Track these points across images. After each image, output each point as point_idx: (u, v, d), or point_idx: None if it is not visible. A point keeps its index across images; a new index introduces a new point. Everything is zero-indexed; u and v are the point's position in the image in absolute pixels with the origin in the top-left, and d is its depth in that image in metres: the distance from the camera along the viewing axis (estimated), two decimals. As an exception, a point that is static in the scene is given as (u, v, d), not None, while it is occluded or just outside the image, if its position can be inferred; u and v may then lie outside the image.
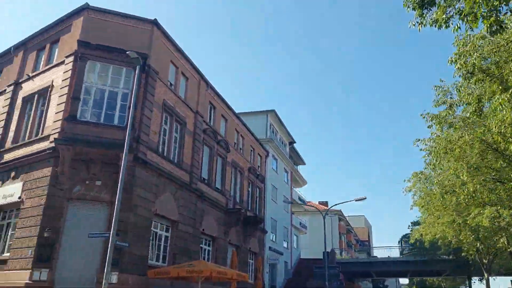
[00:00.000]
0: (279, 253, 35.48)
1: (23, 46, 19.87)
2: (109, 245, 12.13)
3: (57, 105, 16.40)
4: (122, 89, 16.55)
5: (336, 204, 28.49)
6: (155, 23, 18.40)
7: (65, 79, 16.57)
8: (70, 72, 16.53)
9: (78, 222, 15.24)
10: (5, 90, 19.59)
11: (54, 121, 16.19)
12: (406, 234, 60.90)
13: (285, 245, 38.62)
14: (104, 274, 11.89)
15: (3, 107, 19.13)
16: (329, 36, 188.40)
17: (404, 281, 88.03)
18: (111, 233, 12.26)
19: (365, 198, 27.05)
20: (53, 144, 15.34)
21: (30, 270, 13.95)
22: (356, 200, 26.97)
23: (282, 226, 37.79)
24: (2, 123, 18.61)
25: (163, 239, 18.66)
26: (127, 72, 16.75)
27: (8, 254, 15.31)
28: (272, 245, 34.08)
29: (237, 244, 26.06)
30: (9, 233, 16.07)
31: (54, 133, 15.66)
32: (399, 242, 71.99)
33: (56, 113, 16.28)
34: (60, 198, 15.09)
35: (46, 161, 15.61)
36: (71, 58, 16.77)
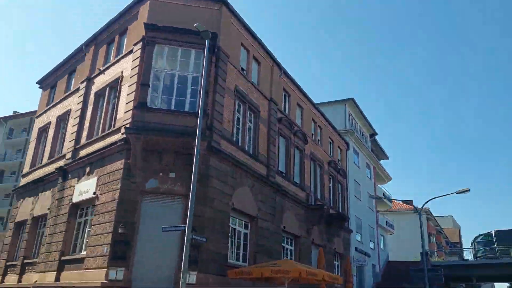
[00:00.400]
0: (366, 255, 32.37)
1: (94, 41, 19.60)
2: (185, 239, 10.64)
3: (127, 95, 15.56)
4: (192, 73, 15.25)
5: (434, 198, 24.91)
6: (224, 2, 16.96)
7: (134, 68, 15.70)
8: (138, 59, 15.62)
9: (152, 217, 14.11)
10: (78, 87, 19.43)
11: (125, 112, 15.35)
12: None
13: (371, 246, 35.35)
14: (181, 272, 10.40)
15: (77, 104, 18.93)
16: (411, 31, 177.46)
17: (500, 286, 78.52)
18: (186, 226, 10.76)
19: (468, 190, 23.27)
20: (124, 136, 14.42)
21: (106, 269, 13.00)
22: (457, 193, 23.30)
23: (367, 225, 34.63)
24: (77, 120, 18.36)
25: (242, 236, 17.03)
26: (196, 54, 15.43)
27: (84, 252, 14.63)
28: (358, 246, 31.16)
29: (320, 244, 23.73)
30: (86, 231, 15.46)
31: (125, 124, 14.76)
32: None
33: (126, 103, 15.44)
34: (134, 191, 14.07)
35: (119, 154, 14.75)
36: (139, 45, 15.89)
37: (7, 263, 19.81)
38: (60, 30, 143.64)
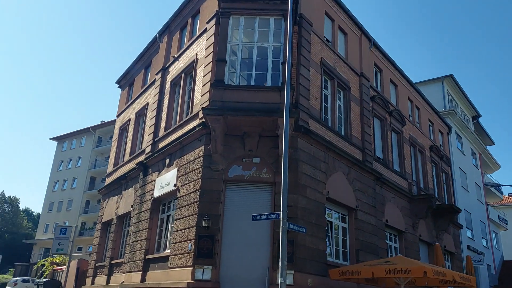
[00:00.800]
0: (480, 254, 27.82)
1: (167, 30, 18.69)
2: (281, 230, 8.63)
3: (203, 77, 14.13)
4: (272, 43, 13.31)
5: None
6: (301, -37, 14.85)
7: (209, 46, 14.23)
8: (213, 37, 14.13)
9: (237, 208, 12.40)
10: (154, 79, 18.60)
11: (202, 95, 13.92)
12: None
13: (484, 243, 30.52)
14: (280, 269, 8.41)
15: (154, 96, 18.07)
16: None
17: None
18: (280, 213, 8.77)
19: None
20: (203, 120, 12.96)
21: (192, 268, 11.51)
22: None
23: (478, 220, 29.95)
24: (155, 112, 17.46)
25: (340, 231, 14.66)
26: (276, 23, 13.49)
27: (169, 250, 13.37)
28: (470, 244, 26.85)
29: (428, 241, 20.38)
30: (169, 227, 14.24)
31: (203, 106, 13.28)
32: None
33: (202, 85, 14.02)
34: (216, 180, 12.48)
35: (198, 141, 13.31)
36: (213, 22, 14.41)
37: (96, 264, 19.55)
38: (135, 26, 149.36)
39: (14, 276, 40.83)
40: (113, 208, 19.46)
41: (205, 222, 11.84)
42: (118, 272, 16.95)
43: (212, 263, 11.57)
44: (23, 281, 32.77)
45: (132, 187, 17.89)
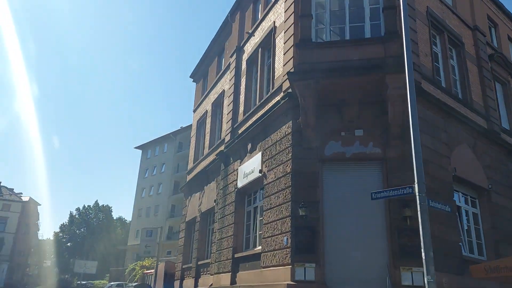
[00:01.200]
0: None
1: (238, 7, 17.02)
2: (419, 208, 6.15)
3: (284, 43, 12.04)
4: (368, -11, 10.84)
5: None
6: None
7: (289, 7, 12.07)
8: (292, -5, 11.99)
9: (340, 192, 10.08)
10: (229, 63, 16.99)
11: (284, 65, 11.83)
12: None
13: None
14: (424, 264, 5.94)
15: (229, 81, 16.43)
16: None
17: None
18: (415, 186, 6.28)
19: None
20: (289, 90, 10.88)
21: (290, 266, 9.40)
22: None
23: None
24: (232, 97, 15.79)
25: (471, 217, 11.58)
26: (368, -36, 10.99)
27: (259, 247, 11.42)
28: None
29: None
30: (257, 220, 12.31)
31: (286, 79, 11.20)
32: None
33: (284, 53, 11.91)
34: (310, 161, 10.27)
35: (283, 117, 11.23)
36: (291, -21, 12.28)
37: (183, 266, 18.36)
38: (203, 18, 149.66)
39: (109, 281, 42.32)
40: (196, 205, 18.16)
41: (302, 211, 9.68)
42: (205, 274, 15.46)
43: (315, 260, 9.37)
44: (118, 285, 33.41)
45: (213, 180, 16.38)
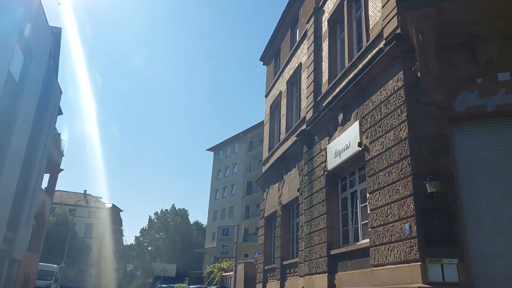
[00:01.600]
0: None
1: (313, -37, 14.63)
2: None
3: (381, -19, 9.44)
4: None
5: None
6: None
7: None
8: None
9: (481, 160, 7.25)
10: (305, 31, 14.67)
11: (383, 6, 9.24)
12: None
13: None
14: None
15: (307, 49, 14.09)
16: None
17: None
18: None
19: None
20: (398, 30, 8.30)
21: (419, 263, 6.78)
22: None
23: None
24: (312, 67, 13.41)
25: None
26: None
27: (366, 240, 8.89)
28: None
29: None
30: (359, 207, 9.75)
31: (397, 7, 8.62)
32: None
33: (382, -7, 9.32)
34: (434, 119, 7.57)
35: (388, 69, 8.62)
36: None
37: (265, 267, 16.28)
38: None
39: (189, 284, 41.91)
40: (275, 198, 16.00)
41: (431, 186, 7.00)
42: (293, 276, 13.19)
43: (456, 254, 6.65)
44: (197, 289, 32.44)
45: (294, 167, 14.11)
